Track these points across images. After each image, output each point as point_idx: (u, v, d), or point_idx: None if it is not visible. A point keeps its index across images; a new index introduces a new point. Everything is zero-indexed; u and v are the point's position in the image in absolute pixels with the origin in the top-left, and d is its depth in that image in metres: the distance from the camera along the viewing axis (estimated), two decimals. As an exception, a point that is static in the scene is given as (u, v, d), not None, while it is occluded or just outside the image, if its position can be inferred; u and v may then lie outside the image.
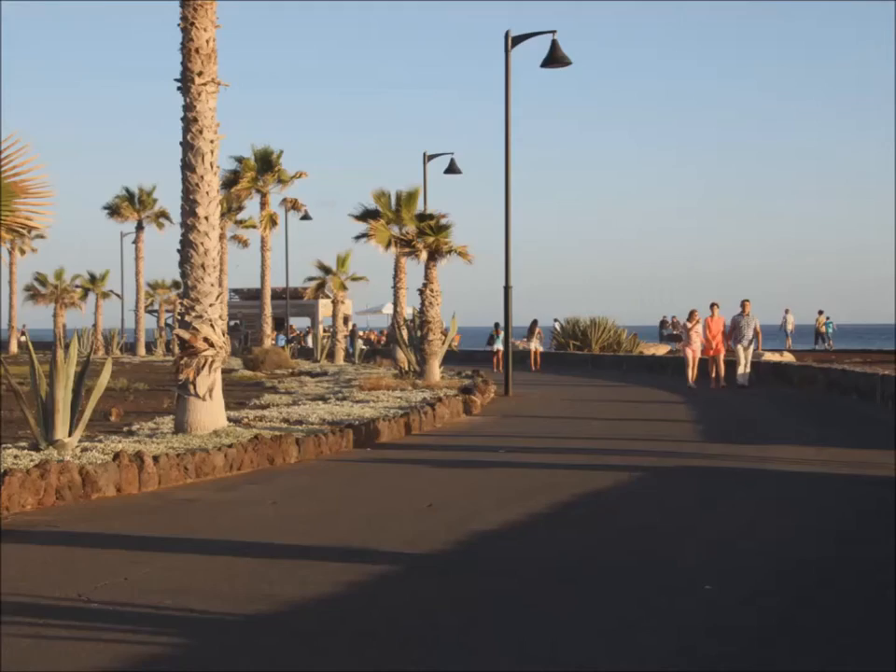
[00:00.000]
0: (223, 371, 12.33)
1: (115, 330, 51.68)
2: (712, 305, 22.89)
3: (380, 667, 4.25)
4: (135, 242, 49.57)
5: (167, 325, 53.77)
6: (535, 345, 33.34)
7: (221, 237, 37.85)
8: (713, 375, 22.49)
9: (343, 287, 37.28)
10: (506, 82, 20.23)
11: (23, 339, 52.96)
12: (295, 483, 9.25)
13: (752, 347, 22.25)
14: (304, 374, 24.74)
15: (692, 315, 22.96)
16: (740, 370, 21.87)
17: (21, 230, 8.83)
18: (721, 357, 22.52)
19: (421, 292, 22.30)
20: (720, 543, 6.70)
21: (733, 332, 22.17)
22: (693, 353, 22.83)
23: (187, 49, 11.78)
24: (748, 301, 22.33)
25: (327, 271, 37.38)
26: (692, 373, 22.52)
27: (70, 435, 9.76)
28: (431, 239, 22.30)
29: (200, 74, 11.71)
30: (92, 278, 55.55)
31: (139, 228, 49.27)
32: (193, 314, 11.52)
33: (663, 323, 47.32)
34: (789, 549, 6.49)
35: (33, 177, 8.48)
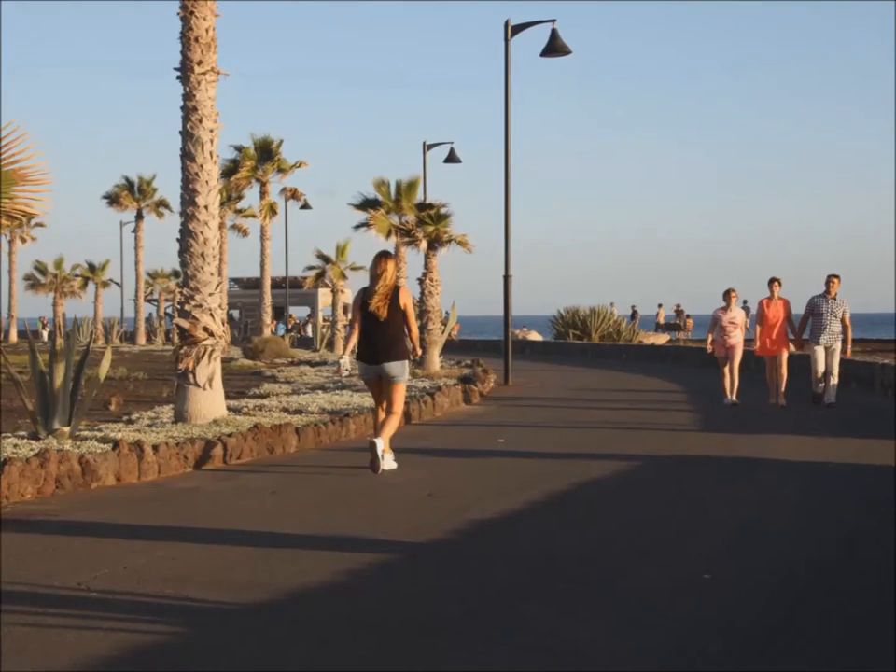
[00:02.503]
0: (223, 361, 12.34)
1: (114, 319, 51.77)
2: (772, 282, 15.29)
3: (380, 655, 4.26)
4: (135, 231, 49.65)
5: (167, 314, 53.81)
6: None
7: (221, 226, 37.83)
8: (772, 386, 15.45)
9: (343, 277, 37.25)
10: (506, 71, 20.21)
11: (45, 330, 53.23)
12: (295, 472, 9.25)
13: (839, 346, 14.95)
14: (304, 364, 24.74)
15: (728, 295, 15.67)
16: (818, 376, 14.96)
17: (20, 217, 8.82)
18: (784, 357, 15.21)
19: (421, 281, 22.31)
20: (719, 536, 6.69)
21: (809, 322, 15.18)
22: (730, 351, 15.51)
23: (186, 38, 11.75)
24: (836, 276, 14.99)
25: (326, 260, 37.35)
26: (728, 383, 15.53)
27: (69, 424, 9.77)
28: (431, 228, 22.30)
29: (199, 63, 11.69)
30: (92, 267, 55.64)
31: (139, 217, 49.29)
32: (193, 303, 11.51)
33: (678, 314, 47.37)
34: (789, 543, 6.48)
35: (31, 165, 8.48)
